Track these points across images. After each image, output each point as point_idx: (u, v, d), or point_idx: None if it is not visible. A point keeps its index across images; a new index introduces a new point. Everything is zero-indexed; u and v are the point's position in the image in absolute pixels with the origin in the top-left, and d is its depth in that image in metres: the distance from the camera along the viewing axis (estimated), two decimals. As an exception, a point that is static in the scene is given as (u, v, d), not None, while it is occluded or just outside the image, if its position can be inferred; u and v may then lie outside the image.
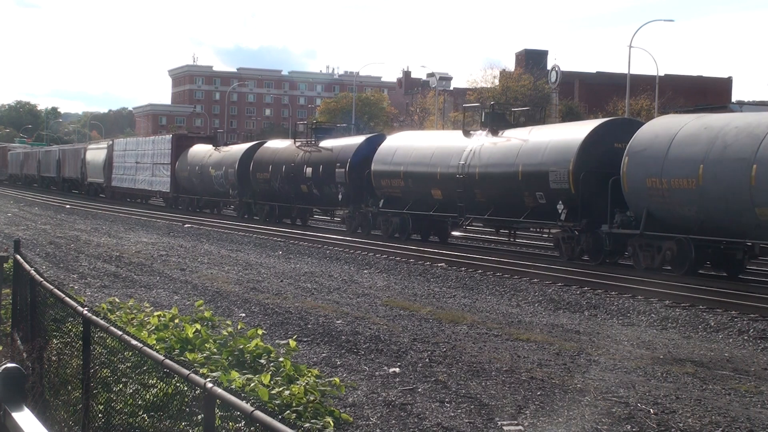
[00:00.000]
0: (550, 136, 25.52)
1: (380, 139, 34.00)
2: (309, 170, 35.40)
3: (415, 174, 29.63)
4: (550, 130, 27.03)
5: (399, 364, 10.89)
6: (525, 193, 24.98)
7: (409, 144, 31.52)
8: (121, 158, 60.11)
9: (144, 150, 56.19)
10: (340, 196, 33.45)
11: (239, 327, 11.63)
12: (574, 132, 24.74)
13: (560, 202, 23.80)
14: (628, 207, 22.28)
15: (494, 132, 27.48)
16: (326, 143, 35.82)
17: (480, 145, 27.37)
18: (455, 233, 31.82)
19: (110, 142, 64.21)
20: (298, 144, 38.14)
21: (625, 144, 22.35)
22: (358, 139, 34.89)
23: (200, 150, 48.47)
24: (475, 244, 31.14)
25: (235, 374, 8.48)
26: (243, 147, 43.81)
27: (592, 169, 22.98)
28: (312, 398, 8.33)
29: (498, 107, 31.03)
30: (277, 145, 41.27)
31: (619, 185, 22.17)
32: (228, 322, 12.18)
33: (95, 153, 65.17)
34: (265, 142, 43.38)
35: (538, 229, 28.34)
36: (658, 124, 22.94)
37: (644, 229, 21.45)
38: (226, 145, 46.76)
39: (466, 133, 29.01)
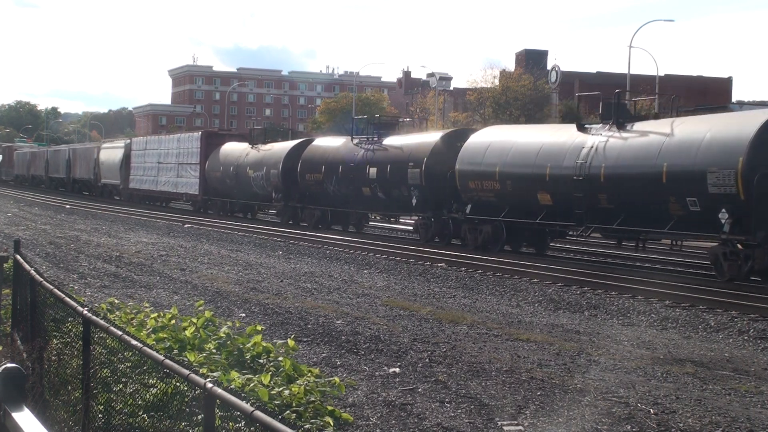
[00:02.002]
0: (705, 128, 20.75)
1: (462, 135, 29.88)
2: (373, 171, 31.53)
3: (515, 175, 25.35)
4: (704, 122, 21.71)
5: (399, 364, 10.89)
6: (670, 198, 20.67)
7: (504, 140, 27.02)
8: (140, 158, 55.80)
9: (168, 149, 51.82)
10: (414, 200, 29.41)
11: (236, 325, 11.62)
12: (741, 123, 20.30)
13: (723, 209, 19.54)
14: None
15: (620, 125, 23.23)
16: (393, 140, 32.05)
17: (604, 140, 23.03)
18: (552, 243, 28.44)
19: (128, 141, 60.10)
20: (356, 141, 33.99)
21: None
22: (434, 136, 30.88)
23: (234, 149, 44.04)
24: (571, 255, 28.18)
25: (234, 374, 8.47)
26: (287, 145, 39.41)
27: None
28: (312, 398, 8.33)
29: (619, 96, 24.92)
30: (329, 143, 37.10)
31: None
32: (228, 322, 12.18)
33: (110, 152, 60.99)
34: (313, 140, 39.29)
35: (676, 242, 23.88)
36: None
37: None
38: (265, 143, 41.86)
39: (582, 127, 24.64)
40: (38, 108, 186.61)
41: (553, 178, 23.99)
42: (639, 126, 22.98)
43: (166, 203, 54.95)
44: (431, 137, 30.77)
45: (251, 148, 41.87)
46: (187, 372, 4.42)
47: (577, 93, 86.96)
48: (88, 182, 66.32)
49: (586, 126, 24.81)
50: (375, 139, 32.91)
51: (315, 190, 35.83)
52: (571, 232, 26.14)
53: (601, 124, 24.14)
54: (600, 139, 23.27)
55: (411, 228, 33.33)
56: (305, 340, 12.29)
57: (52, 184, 76.54)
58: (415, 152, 29.80)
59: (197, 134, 49.59)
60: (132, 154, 56.80)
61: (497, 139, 27.29)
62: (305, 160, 36.26)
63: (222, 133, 52.63)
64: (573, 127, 25.29)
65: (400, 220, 36.39)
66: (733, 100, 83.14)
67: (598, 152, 22.90)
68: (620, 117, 23.53)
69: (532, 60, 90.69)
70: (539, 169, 24.52)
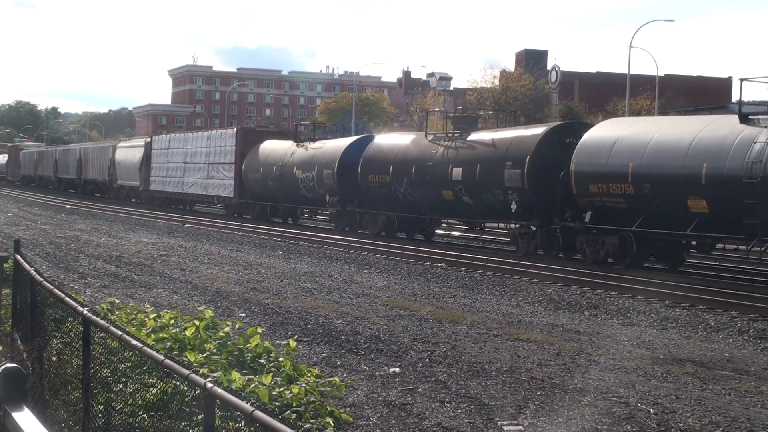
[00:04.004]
0: None
1: (574, 129, 25.60)
2: (457, 171, 27.24)
3: (656, 176, 21.03)
4: None
5: (399, 364, 10.89)
6: None
7: (638, 133, 22.43)
8: (162, 157, 51.48)
9: (195, 147, 47.42)
10: (513, 206, 25.04)
11: (237, 326, 11.63)
12: None
13: None
14: None
15: None
16: (481, 136, 27.92)
17: None
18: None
19: (148, 139, 55.75)
20: (431, 138, 30.02)
21: None
22: (536, 130, 26.30)
23: (277, 147, 39.80)
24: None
25: (235, 374, 8.48)
26: (343, 142, 35.50)
27: None
28: (312, 399, 8.34)
29: None
30: (395, 140, 33.19)
31: None
32: (228, 322, 12.19)
33: (128, 152, 56.89)
34: (373, 137, 35.40)
35: None
36: None
37: None
38: (313, 140, 37.98)
39: (745, 119, 20.11)
40: (38, 108, 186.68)
41: (712, 181, 19.68)
42: None
43: (191, 207, 50.66)
44: (533, 131, 26.20)
45: (297, 146, 37.83)
46: (187, 372, 4.43)
47: (577, 92, 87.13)
48: (102, 184, 62.62)
49: (751, 116, 20.23)
50: (457, 134, 28.80)
51: (380, 193, 31.51)
52: (721, 245, 22.73)
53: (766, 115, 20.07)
54: None
55: (491, 237, 30.86)
56: (305, 340, 12.29)
57: (62, 185, 73.41)
58: (514, 149, 25.33)
59: (231, 131, 44.93)
60: (153, 153, 52.64)
61: (627, 133, 22.70)
62: (368, 160, 32.10)
63: (260, 130, 47.87)
64: (731, 117, 21.41)
65: (484, 228, 32.07)
66: (733, 100, 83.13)
67: None
68: None
69: (532, 60, 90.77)
70: (690, 169, 20.07)
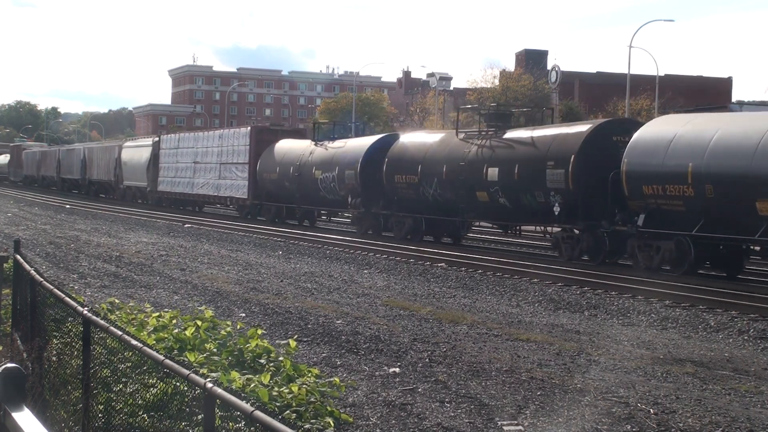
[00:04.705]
0: None
1: (623, 126, 24.41)
2: (493, 172, 25.88)
3: (719, 177, 19.59)
4: None
5: (399, 364, 10.90)
6: None
7: (698, 130, 20.99)
8: (171, 157, 50.18)
9: (206, 147, 46.13)
10: (556, 208, 23.63)
11: (239, 327, 11.63)
12: None
13: None
14: None
15: None
16: (519, 134, 26.44)
17: None
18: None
19: (156, 139, 54.34)
20: (463, 136, 28.59)
21: None
22: (580, 127, 24.78)
23: (293, 146, 38.54)
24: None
25: (235, 374, 8.47)
26: (366, 141, 34.05)
27: None
28: (312, 399, 8.33)
29: None
30: (423, 138, 31.58)
31: None
32: (228, 322, 12.19)
33: (135, 151, 55.75)
34: (398, 135, 33.80)
35: None
36: None
37: None
38: (332, 139, 36.57)
39: None
40: (38, 108, 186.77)
41: None
42: None
43: (200, 208, 49.50)
44: (578, 129, 24.68)
45: (316, 145, 36.49)
46: (187, 372, 4.43)
47: (577, 92, 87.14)
48: (108, 184, 61.35)
49: None
50: (490, 133, 27.41)
51: (407, 194, 30.10)
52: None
53: None
54: None
55: (528, 242, 29.53)
56: (305, 340, 12.29)
57: (65, 185, 72.30)
58: (557, 148, 23.95)
59: (245, 130, 43.49)
60: (161, 153, 51.35)
61: (685, 131, 21.23)
62: (394, 159, 30.67)
63: (274, 129, 45.91)
64: None
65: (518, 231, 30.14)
66: (733, 100, 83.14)
67: None
68: None
69: (532, 60, 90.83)
70: (761, 169, 18.80)
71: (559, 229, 24.43)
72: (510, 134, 26.61)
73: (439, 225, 29.87)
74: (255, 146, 40.86)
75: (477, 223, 31.72)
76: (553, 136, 24.95)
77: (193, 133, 53.64)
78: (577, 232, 23.64)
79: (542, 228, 27.42)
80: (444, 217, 29.07)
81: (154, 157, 51.85)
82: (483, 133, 27.66)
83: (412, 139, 31.90)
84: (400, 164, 30.25)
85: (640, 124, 24.11)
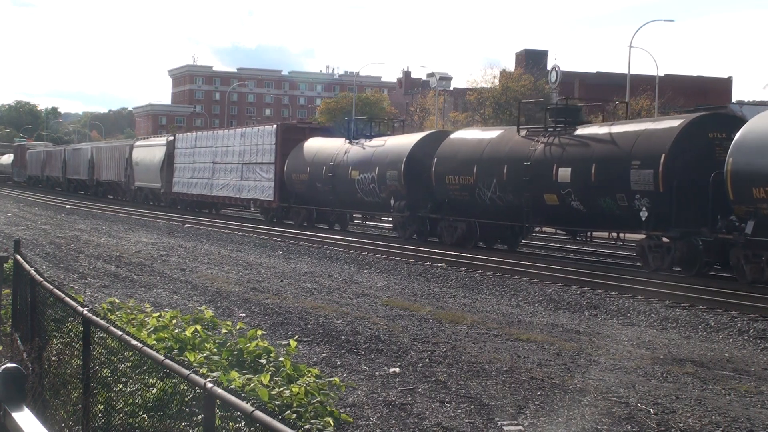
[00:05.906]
0: None
1: (722, 120, 21.88)
2: (564, 172, 23.37)
3: None
4: None
5: (399, 364, 10.90)
6: None
7: None
8: (187, 157, 47.52)
9: (227, 146, 43.42)
10: (643, 213, 21.09)
11: (238, 327, 11.63)
12: None
13: None
14: None
15: None
16: (593, 130, 23.98)
17: None
18: None
19: (170, 138, 51.51)
20: (525, 133, 26.01)
21: None
22: (670, 122, 21.92)
23: (325, 145, 35.50)
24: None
25: (234, 374, 8.47)
26: (410, 139, 31.39)
27: None
28: (313, 399, 8.33)
29: None
30: (478, 135, 28.48)
31: None
32: (228, 322, 12.19)
33: (148, 151, 53.26)
34: (448, 133, 31.34)
35: None
36: None
37: None
38: (369, 137, 33.72)
39: None
40: (38, 108, 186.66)
41: None
42: None
43: (217, 210, 47.19)
44: (667, 124, 21.82)
45: (351, 143, 33.79)
46: (187, 372, 4.43)
47: (577, 92, 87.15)
48: (117, 185, 59.02)
49: None
50: (559, 129, 24.90)
51: (460, 196, 27.44)
52: None
53: None
54: None
55: (600, 250, 27.39)
56: (305, 340, 12.29)
57: (71, 186, 70.44)
58: (643, 146, 21.40)
59: (271, 127, 40.12)
60: (176, 152, 48.76)
61: None
62: (444, 158, 28.00)
63: (302, 126, 42.46)
64: None
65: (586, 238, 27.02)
66: (733, 100, 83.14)
67: None
68: None
69: (532, 60, 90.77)
70: None
71: (644, 236, 21.77)
72: (582, 130, 24.07)
73: (495, 230, 27.58)
74: (281, 145, 38.11)
75: (539, 229, 29.25)
76: (637, 132, 22.14)
77: (212, 131, 50.58)
78: (666, 240, 20.99)
79: (615, 235, 25.18)
80: (503, 222, 26.57)
81: (169, 157, 49.47)
82: (550, 129, 25.05)
83: (465, 135, 29.00)
84: (452, 164, 27.59)
85: (739, 120, 21.88)
